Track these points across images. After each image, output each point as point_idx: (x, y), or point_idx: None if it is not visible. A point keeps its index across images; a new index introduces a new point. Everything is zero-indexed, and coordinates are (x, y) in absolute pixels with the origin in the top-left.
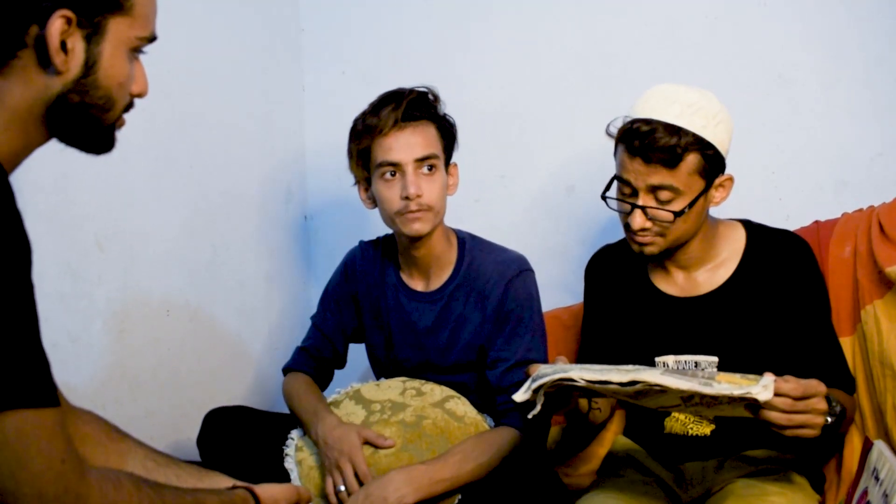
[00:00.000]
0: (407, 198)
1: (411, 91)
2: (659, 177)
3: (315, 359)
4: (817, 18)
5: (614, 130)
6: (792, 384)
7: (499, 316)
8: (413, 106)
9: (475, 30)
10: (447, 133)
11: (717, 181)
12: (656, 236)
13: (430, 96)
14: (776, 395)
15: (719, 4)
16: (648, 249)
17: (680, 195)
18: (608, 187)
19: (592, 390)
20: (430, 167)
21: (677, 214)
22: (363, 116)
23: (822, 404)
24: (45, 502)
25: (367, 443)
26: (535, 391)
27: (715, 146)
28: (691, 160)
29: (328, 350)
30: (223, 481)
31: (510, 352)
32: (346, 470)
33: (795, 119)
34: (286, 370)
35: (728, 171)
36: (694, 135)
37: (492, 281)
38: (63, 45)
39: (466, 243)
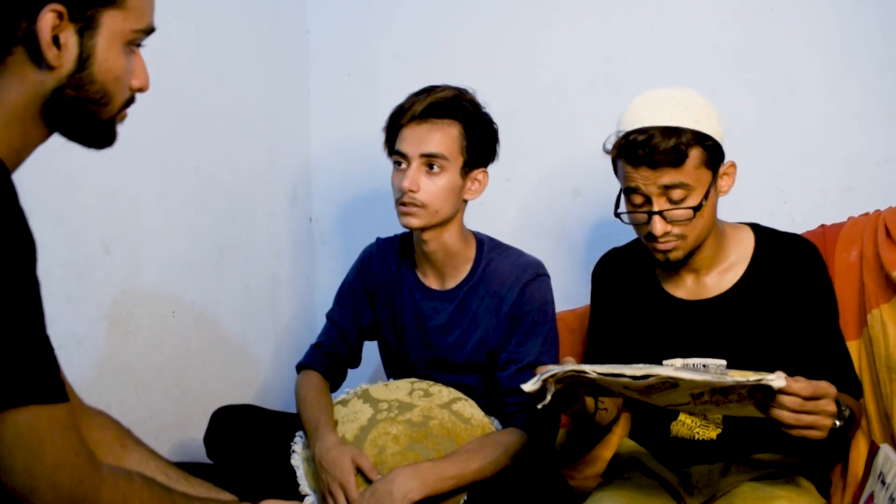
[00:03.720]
0: (402, 190)
1: (445, 88)
2: (668, 177)
3: (329, 355)
4: (824, 24)
5: (610, 147)
6: (802, 384)
7: (513, 318)
8: (439, 103)
9: (481, 32)
10: (476, 137)
11: (721, 170)
12: (679, 240)
13: (465, 97)
14: (786, 393)
15: (726, 9)
16: (674, 255)
17: (692, 190)
18: (618, 204)
19: (601, 386)
20: (435, 166)
21: (696, 209)
22: (399, 104)
23: (830, 406)
24: (60, 495)
25: (358, 471)
26: (545, 381)
27: (712, 136)
28: (695, 155)
29: (342, 345)
30: (232, 498)
31: (522, 354)
32: (338, 497)
33: (801, 124)
34: (300, 367)
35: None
36: (691, 130)
37: (508, 283)
38: (56, 40)
39: (485, 245)
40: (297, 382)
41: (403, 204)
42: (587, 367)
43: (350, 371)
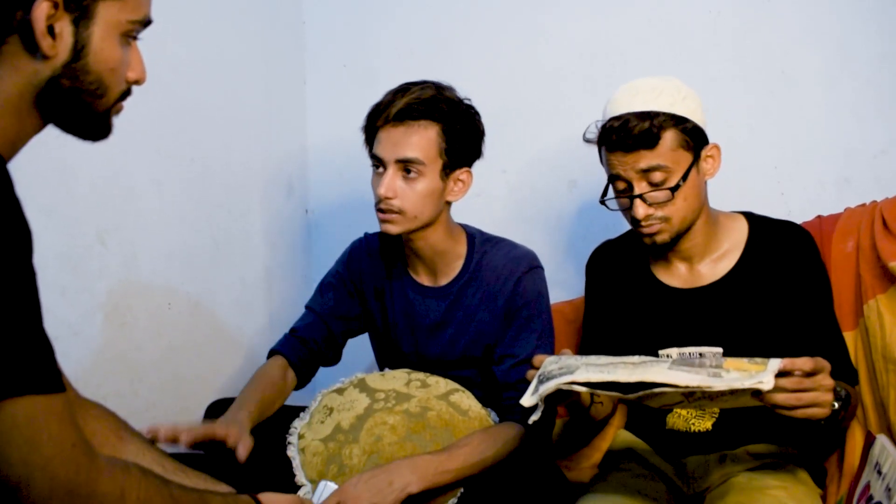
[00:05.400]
0: (378, 196)
1: (422, 87)
2: (645, 160)
3: (303, 343)
4: (821, 15)
5: (591, 136)
6: (803, 359)
7: (508, 312)
8: (415, 105)
9: (477, 23)
10: (456, 138)
11: (704, 153)
12: (663, 223)
13: (443, 96)
14: (785, 372)
15: (723, 1)
16: (660, 238)
17: (670, 172)
18: (605, 191)
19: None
20: (411, 171)
21: (673, 190)
22: (376, 104)
23: (829, 380)
24: (57, 485)
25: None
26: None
27: (689, 118)
28: (669, 136)
29: (320, 333)
30: (229, 490)
31: (518, 348)
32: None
33: (798, 116)
34: (270, 353)
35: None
36: (665, 113)
37: (502, 277)
38: (51, 30)
39: (476, 239)
40: (260, 367)
41: (381, 211)
42: (580, 377)
43: (346, 364)
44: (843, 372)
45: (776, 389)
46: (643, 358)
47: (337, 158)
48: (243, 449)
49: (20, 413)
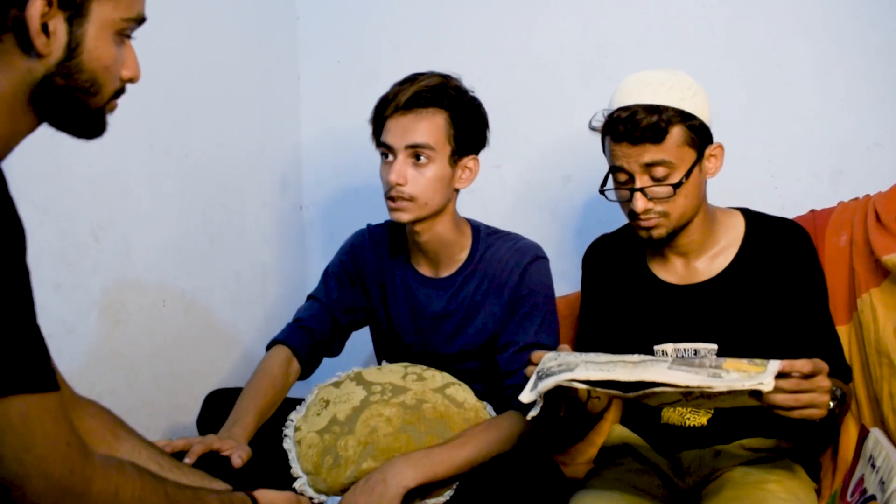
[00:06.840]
0: (389, 184)
1: (429, 76)
2: (650, 154)
3: (309, 333)
4: (815, 7)
5: (597, 125)
6: (802, 361)
7: (513, 301)
8: (423, 92)
9: (471, 18)
10: (463, 124)
11: (708, 151)
12: (661, 217)
13: (450, 84)
14: (783, 374)
15: None
16: (657, 233)
17: (674, 168)
18: (605, 181)
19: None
20: (421, 157)
21: (676, 186)
22: (383, 95)
23: (826, 382)
24: (51, 484)
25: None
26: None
27: (697, 116)
28: (677, 132)
29: (326, 323)
30: (225, 487)
31: (520, 335)
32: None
33: (792, 109)
34: (272, 343)
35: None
36: (674, 108)
37: (508, 268)
38: (45, 28)
39: (481, 231)
40: (262, 360)
41: (392, 198)
42: (580, 375)
43: (343, 357)
44: (838, 370)
45: (775, 390)
46: (643, 357)
47: (331, 154)
48: (238, 459)
49: (14, 412)
